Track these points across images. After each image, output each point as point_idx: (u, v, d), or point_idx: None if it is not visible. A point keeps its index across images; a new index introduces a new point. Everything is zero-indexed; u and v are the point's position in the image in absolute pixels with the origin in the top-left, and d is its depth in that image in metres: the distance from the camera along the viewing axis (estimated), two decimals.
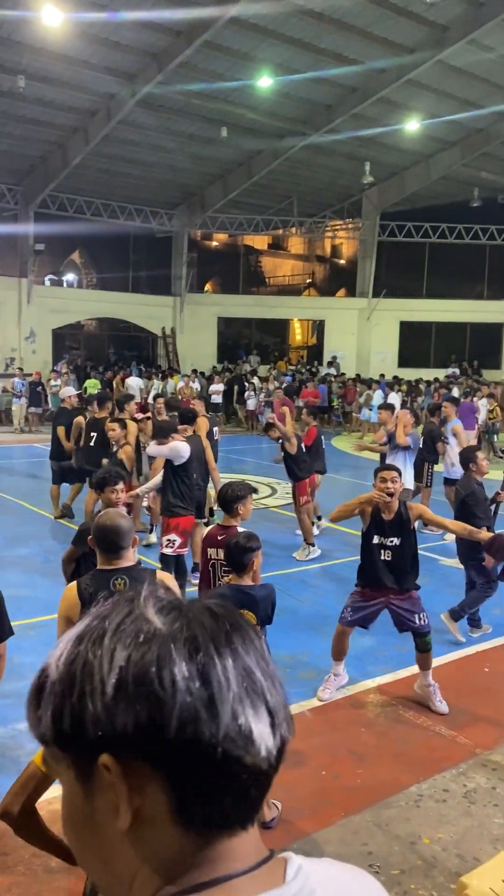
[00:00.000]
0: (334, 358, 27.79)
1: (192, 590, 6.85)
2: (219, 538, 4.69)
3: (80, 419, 9.85)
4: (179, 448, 6.87)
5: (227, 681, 0.68)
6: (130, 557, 3.35)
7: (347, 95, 19.81)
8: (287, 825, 3.99)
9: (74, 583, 3.33)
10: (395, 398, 19.73)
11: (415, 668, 5.49)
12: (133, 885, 0.70)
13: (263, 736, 0.69)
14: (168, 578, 3.45)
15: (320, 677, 5.59)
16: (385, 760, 4.65)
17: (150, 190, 25.50)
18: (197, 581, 6.41)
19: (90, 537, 3.41)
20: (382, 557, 5.32)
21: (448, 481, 10.03)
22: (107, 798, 0.68)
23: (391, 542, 5.28)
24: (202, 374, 24.12)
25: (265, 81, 18.06)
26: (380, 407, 10.95)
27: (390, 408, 10.63)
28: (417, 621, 5.29)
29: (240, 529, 4.74)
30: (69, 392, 11.20)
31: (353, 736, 4.97)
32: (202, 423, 8.67)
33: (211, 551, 4.75)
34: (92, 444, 9.18)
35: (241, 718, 0.67)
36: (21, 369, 22.18)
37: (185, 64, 16.97)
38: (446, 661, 6.10)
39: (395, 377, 24.68)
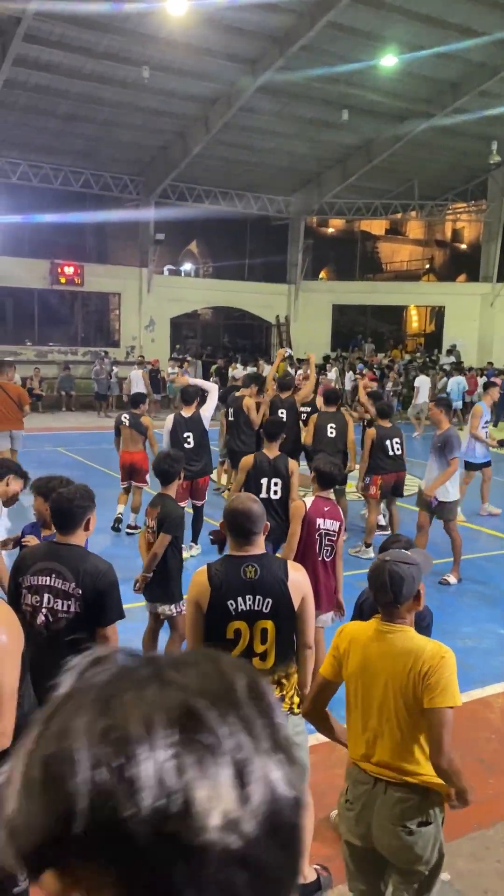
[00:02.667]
0: (454, 346, 26.85)
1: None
2: (325, 509, 4.97)
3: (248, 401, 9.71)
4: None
5: (151, 740, 0.51)
6: (261, 545, 3.25)
7: (475, 71, 18.93)
8: None
9: (205, 567, 3.26)
10: (422, 381, 19.13)
11: None
12: None
13: (214, 800, 0.50)
14: (299, 569, 3.33)
15: None
16: None
17: (267, 177, 25.41)
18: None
19: (221, 521, 3.34)
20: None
21: (468, 465, 9.93)
22: None
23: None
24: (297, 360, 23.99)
25: (389, 61, 17.53)
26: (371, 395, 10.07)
27: (376, 396, 10.15)
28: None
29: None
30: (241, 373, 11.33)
31: (481, 743, 4.71)
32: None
33: (319, 521, 4.93)
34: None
35: (174, 783, 0.50)
36: (143, 357, 22.78)
37: (307, 47, 16.69)
38: None
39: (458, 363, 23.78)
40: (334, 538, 4.94)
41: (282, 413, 9.14)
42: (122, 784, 0.50)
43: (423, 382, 19.07)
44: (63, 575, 3.27)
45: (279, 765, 0.54)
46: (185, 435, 7.91)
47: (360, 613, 3.80)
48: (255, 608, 3.14)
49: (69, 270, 23.55)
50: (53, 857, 0.53)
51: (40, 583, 3.27)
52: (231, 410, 9.41)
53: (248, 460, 6.43)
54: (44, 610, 3.26)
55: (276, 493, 6.20)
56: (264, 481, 6.23)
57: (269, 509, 5.75)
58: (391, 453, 8.33)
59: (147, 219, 24.58)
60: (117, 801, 0.50)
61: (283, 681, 3.22)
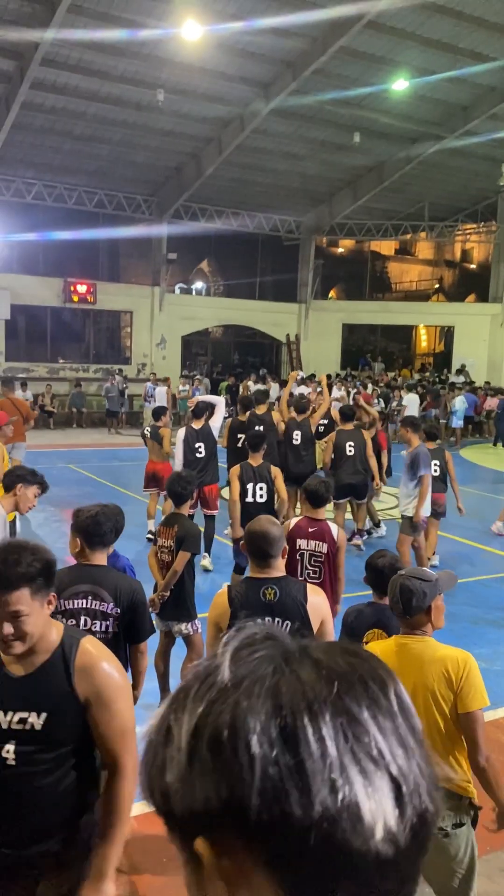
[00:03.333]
0: (463, 366, 26.92)
1: None
2: (309, 530, 4.96)
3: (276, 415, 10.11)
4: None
5: (322, 744, 0.54)
6: (280, 567, 3.28)
7: (485, 95, 19.15)
8: None
9: (225, 588, 3.30)
10: (410, 399, 19.49)
11: None
12: None
13: (378, 813, 0.54)
14: (318, 593, 3.36)
15: None
16: None
17: (279, 197, 25.66)
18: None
19: (242, 543, 3.39)
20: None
21: None
22: (215, 890, 0.58)
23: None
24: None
25: (401, 85, 17.75)
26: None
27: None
28: None
29: (331, 524, 5.06)
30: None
31: (496, 763, 4.69)
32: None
33: (300, 542, 4.95)
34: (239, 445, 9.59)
35: (343, 791, 0.53)
36: (154, 374, 22.91)
37: (320, 71, 16.93)
38: None
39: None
40: (321, 559, 4.89)
41: (297, 435, 9.28)
42: (295, 786, 0.54)
43: (411, 401, 19.40)
44: (100, 596, 3.28)
45: (428, 779, 0.58)
46: (197, 445, 8.43)
47: (350, 632, 3.79)
48: None
49: (82, 289, 23.77)
50: (209, 828, 0.56)
51: (76, 606, 3.27)
52: (261, 428, 9.46)
53: (235, 470, 7.18)
54: None
55: (261, 496, 6.98)
56: (250, 486, 6.97)
57: (255, 512, 6.84)
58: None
59: (159, 238, 24.84)
60: (290, 801, 0.53)
61: None
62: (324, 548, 4.89)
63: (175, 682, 3.14)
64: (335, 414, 10.01)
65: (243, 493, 6.95)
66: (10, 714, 2.15)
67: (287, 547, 3.33)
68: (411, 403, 19.26)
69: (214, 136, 20.78)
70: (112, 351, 26.89)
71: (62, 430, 21.60)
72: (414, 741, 0.58)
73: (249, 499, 6.94)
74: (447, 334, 30.60)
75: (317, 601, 3.25)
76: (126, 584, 3.39)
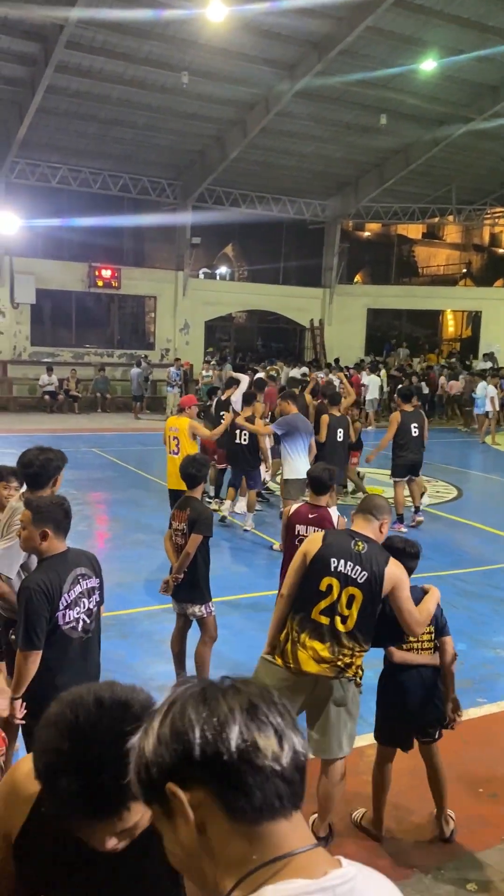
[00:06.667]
0: (491, 352, 26.54)
1: None
2: (309, 516, 5.22)
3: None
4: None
5: (232, 713, 0.96)
6: (373, 531, 3.69)
7: None
8: (441, 843, 3.79)
9: (322, 532, 3.81)
10: (371, 380, 20.46)
11: None
12: (219, 882, 0.96)
13: (268, 746, 0.95)
14: (399, 566, 3.62)
15: (476, 686, 5.32)
16: None
17: (304, 181, 25.42)
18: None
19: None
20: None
21: None
22: (181, 820, 0.97)
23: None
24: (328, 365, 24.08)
25: (429, 65, 17.43)
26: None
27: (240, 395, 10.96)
28: (255, 478, 9.67)
29: (332, 510, 5.32)
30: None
31: None
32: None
33: (300, 527, 5.20)
34: None
35: (247, 736, 0.95)
36: (178, 359, 22.91)
37: (346, 51, 16.68)
38: None
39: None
40: None
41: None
42: (220, 737, 0.95)
43: (372, 381, 20.41)
44: (87, 574, 3.36)
45: (298, 736, 0.99)
46: (221, 413, 10.31)
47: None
48: (352, 575, 3.53)
49: (106, 273, 23.79)
50: (173, 775, 0.97)
51: (77, 593, 3.30)
52: None
53: (228, 418, 9.66)
54: (83, 617, 3.30)
55: (244, 439, 9.45)
56: (237, 431, 9.40)
57: (240, 451, 9.49)
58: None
59: (184, 222, 24.76)
60: (217, 746, 0.95)
61: (357, 652, 3.57)
62: None
63: (190, 664, 3.19)
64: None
65: (233, 435, 9.44)
66: None
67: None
68: (372, 384, 20.22)
69: (239, 119, 20.61)
70: (136, 336, 26.93)
71: (87, 414, 21.76)
72: (289, 718, 1.00)
73: (238, 441, 9.43)
74: (474, 319, 30.23)
75: (394, 571, 3.55)
76: (90, 553, 3.49)
